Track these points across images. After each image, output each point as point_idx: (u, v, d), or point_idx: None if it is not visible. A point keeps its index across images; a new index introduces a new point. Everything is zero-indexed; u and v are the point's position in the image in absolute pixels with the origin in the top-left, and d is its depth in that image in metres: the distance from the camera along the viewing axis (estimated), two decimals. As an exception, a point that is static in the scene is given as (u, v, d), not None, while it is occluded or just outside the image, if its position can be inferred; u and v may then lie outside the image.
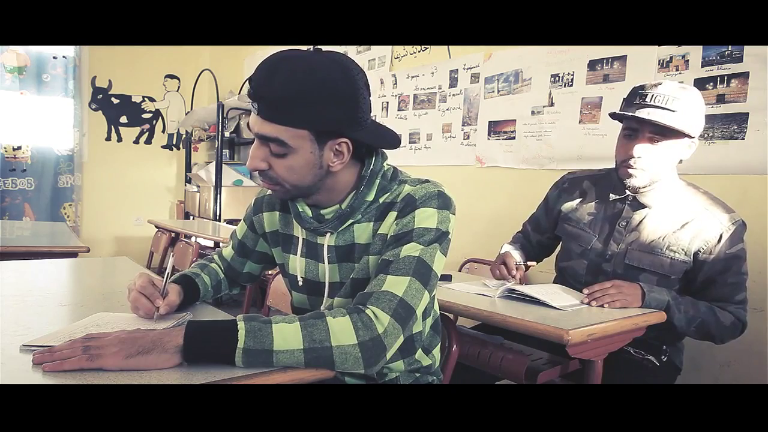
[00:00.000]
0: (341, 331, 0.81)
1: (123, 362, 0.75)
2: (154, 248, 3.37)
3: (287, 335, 0.79)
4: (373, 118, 0.98)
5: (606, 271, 1.47)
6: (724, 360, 1.84)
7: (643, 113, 1.33)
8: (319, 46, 0.91)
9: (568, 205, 1.60)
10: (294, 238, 1.07)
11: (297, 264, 1.06)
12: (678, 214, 1.41)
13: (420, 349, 1.07)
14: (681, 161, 1.43)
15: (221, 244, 1.83)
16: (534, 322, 1.14)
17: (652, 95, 1.33)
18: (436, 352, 1.13)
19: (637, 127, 1.37)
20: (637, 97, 1.36)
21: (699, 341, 1.83)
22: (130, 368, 0.75)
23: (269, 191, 1.12)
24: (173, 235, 3.23)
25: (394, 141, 0.98)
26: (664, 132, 1.34)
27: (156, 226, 3.54)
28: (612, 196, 1.49)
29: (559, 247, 1.67)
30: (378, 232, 0.97)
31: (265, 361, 0.78)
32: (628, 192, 1.45)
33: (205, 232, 3.20)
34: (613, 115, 1.42)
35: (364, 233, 0.99)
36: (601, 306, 1.31)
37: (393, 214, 0.95)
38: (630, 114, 1.36)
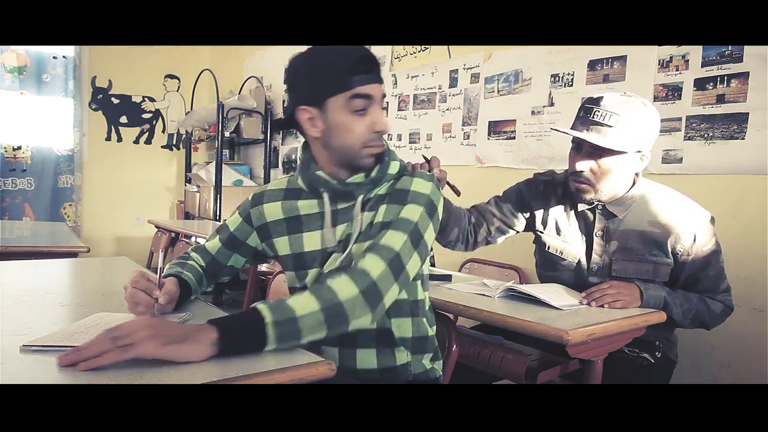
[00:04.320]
0: (344, 286, 0.89)
1: (159, 350, 0.74)
2: (154, 248, 3.37)
3: (303, 302, 0.86)
4: None
5: (593, 283, 1.45)
6: (724, 360, 1.84)
7: (581, 133, 1.37)
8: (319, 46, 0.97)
9: (547, 212, 1.59)
10: (304, 217, 1.12)
11: (309, 240, 1.11)
12: (651, 218, 1.42)
13: (424, 318, 1.12)
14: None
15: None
16: (534, 322, 1.14)
17: (595, 110, 1.36)
18: (434, 329, 1.17)
19: (580, 142, 1.41)
20: (583, 111, 1.40)
21: (697, 341, 1.84)
22: (163, 357, 0.75)
23: (269, 187, 1.18)
24: (173, 235, 3.23)
25: None
26: (603, 149, 1.36)
27: (156, 226, 3.54)
28: (581, 206, 1.50)
29: (536, 253, 1.66)
30: (393, 187, 1.08)
31: (292, 331, 0.83)
32: (596, 202, 1.45)
33: (205, 232, 3.20)
34: (556, 129, 1.47)
35: (382, 189, 1.10)
36: (602, 306, 1.31)
37: (404, 178, 1.08)
38: (563, 131, 1.41)
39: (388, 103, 3.32)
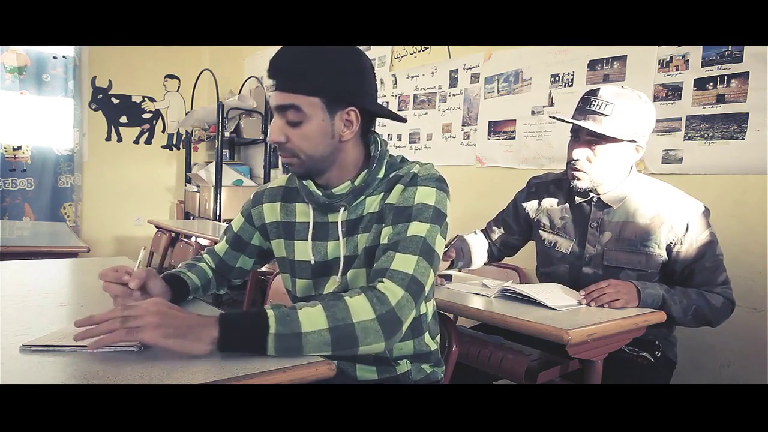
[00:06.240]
0: (360, 307, 0.85)
1: (161, 340, 0.76)
2: (154, 248, 3.37)
3: (312, 317, 0.83)
4: None
5: (587, 273, 1.50)
6: (724, 360, 1.84)
7: (578, 120, 1.42)
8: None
9: (540, 211, 1.64)
10: (298, 225, 1.09)
11: (302, 248, 1.08)
12: (644, 209, 1.44)
13: (427, 332, 1.09)
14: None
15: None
16: (534, 322, 1.14)
17: (592, 101, 1.41)
18: (437, 341, 1.15)
19: (578, 131, 1.45)
20: (582, 102, 1.44)
21: (697, 341, 1.84)
22: (165, 347, 0.77)
23: (270, 186, 1.17)
24: (173, 235, 3.23)
25: (398, 116, 1.09)
26: (599, 137, 1.40)
27: (156, 226, 3.54)
28: (577, 199, 1.53)
29: (535, 252, 1.69)
30: (386, 202, 1.02)
31: (294, 346, 0.81)
32: (591, 194, 1.49)
33: (205, 232, 3.20)
34: (554, 117, 1.53)
35: (374, 203, 1.04)
36: (601, 306, 1.31)
37: (399, 187, 1.02)
38: (560, 119, 1.46)
39: (387, 103, 3.32)
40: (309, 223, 1.07)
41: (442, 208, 1.00)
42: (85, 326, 0.78)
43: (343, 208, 1.04)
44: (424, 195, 0.99)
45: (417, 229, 0.95)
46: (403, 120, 1.12)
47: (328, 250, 1.06)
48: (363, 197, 1.04)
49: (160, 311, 0.79)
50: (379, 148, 1.04)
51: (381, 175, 1.04)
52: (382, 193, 1.03)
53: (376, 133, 1.07)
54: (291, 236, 1.10)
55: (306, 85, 0.94)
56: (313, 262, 1.07)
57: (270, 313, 0.82)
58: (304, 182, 1.05)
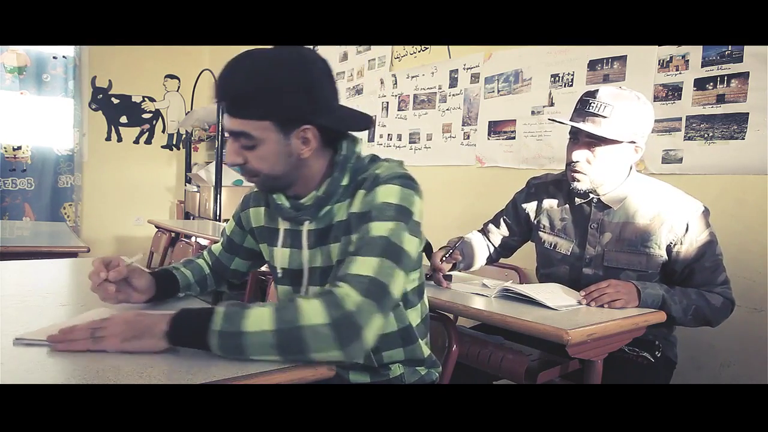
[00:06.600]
0: (312, 311, 0.79)
1: (120, 345, 0.80)
2: (154, 248, 3.37)
3: (259, 317, 0.79)
4: (357, 107, 1.04)
5: (587, 274, 1.50)
6: (724, 360, 1.84)
7: (577, 122, 1.41)
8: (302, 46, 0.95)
9: (540, 212, 1.64)
10: (277, 231, 1.09)
11: (280, 255, 1.08)
12: (644, 210, 1.44)
13: (418, 339, 1.08)
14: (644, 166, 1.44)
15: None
16: (534, 322, 1.14)
17: (590, 102, 1.40)
18: (427, 343, 1.13)
19: (577, 133, 1.44)
20: (580, 103, 1.44)
21: (697, 340, 1.84)
22: (125, 350, 0.79)
23: (257, 188, 1.15)
24: (173, 235, 3.23)
25: (361, 123, 1.01)
26: (598, 139, 1.40)
27: (156, 226, 3.53)
28: (577, 200, 1.53)
29: (535, 254, 1.70)
30: (350, 211, 0.98)
31: (237, 345, 0.77)
32: (591, 195, 1.49)
33: (205, 232, 3.20)
34: (553, 120, 1.54)
35: (341, 211, 1.00)
36: (601, 306, 1.31)
37: (362, 192, 0.97)
38: (559, 121, 1.46)
39: (387, 103, 3.32)
40: (290, 230, 1.07)
41: (407, 204, 0.92)
42: (59, 340, 0.81)
43: (307, 221, 1.02)
44: (386, 194, 0.92)
45: (379, 229, 0.89)
46: (368, 126, 1.03)
47: (301, 259, 1.05)
48: (329, 206, 1.00)
49: (126, 320, 0.82)
50: (343, 153, 1.00)
51: (345, 182, 0.99)
52: (348, 200, 0.99)
53: (345, 134, 1.02)
54: (272, 242, 1.10)
55: (253, 110, 0.90)
56: (280, 273, 1.08)
57: (219, 309, 0.80)
58: (273, 195, 1.04)
